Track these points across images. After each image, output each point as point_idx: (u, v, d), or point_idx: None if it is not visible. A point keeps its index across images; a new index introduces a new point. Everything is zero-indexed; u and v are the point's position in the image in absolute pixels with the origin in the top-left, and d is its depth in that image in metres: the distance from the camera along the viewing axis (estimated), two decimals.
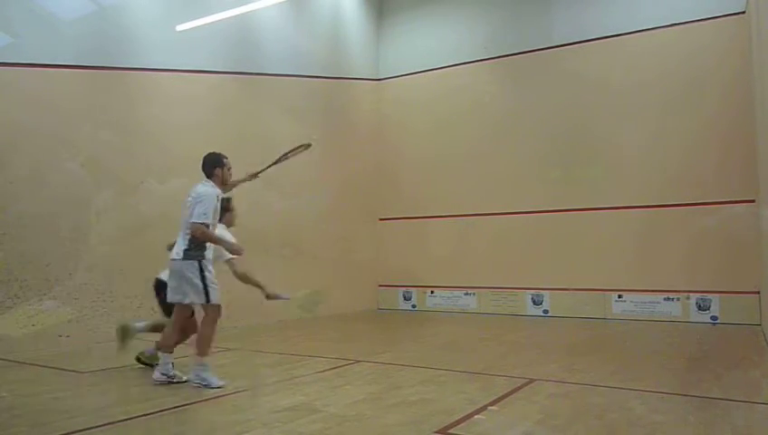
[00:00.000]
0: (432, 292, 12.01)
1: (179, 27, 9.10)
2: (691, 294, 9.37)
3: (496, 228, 11.27)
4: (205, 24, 9.34)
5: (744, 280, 8.92)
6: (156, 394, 4.70)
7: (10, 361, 6.33)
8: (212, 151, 5.26)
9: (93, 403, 4.43)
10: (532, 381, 5.06)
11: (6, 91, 7.16)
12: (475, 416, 3.98)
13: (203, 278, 4.88)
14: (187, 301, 4.99)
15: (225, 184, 5.24)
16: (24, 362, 6.25)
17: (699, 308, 9.34)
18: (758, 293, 8.79)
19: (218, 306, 4.98)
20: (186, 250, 4.92)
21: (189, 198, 5.06)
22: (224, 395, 4.65)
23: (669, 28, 9.99)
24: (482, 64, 11.82)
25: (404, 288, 12.41)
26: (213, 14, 9.40)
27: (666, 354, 6.85)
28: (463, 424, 3.79)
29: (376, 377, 5.37)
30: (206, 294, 4.87)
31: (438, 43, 12.38)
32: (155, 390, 4.89)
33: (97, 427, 3.78)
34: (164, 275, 5.37)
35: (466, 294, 11.60)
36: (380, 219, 12.81)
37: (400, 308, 12.35)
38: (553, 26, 11.10)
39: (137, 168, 8.47)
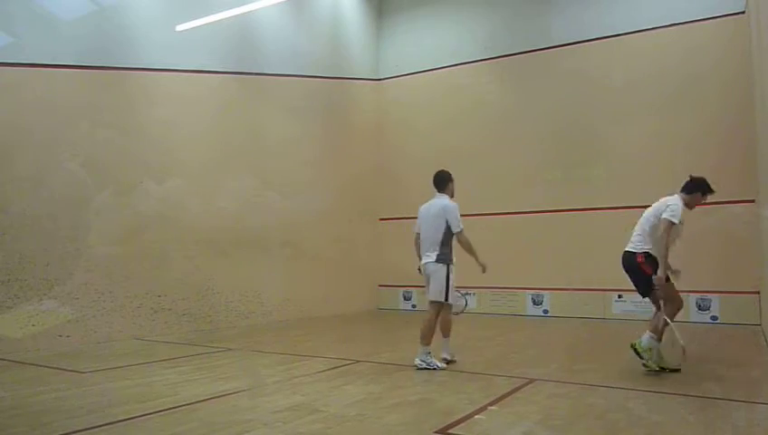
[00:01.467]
0: None
1: (179, 27, 9.10)
2: (691, 294, 9.38)
3: (496, 228, 11.26)
4: (205, 24, 9.34)
5: (744, 280, 8.92)
6: (156, 394, 4.71)
7: (10, 361, 6.33)
8: (443, 169, 6.08)
9: (93, 403, 4.43)
10: (532, 381, 5.06)
11: (7, 91, 7.16)
12: (475, 416, 3.98)
13: (447, 280, 5.72)
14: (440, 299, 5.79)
15: (452, 196, 6.02)
16: (24, 362, 6.25)
17: (699, 308, 9.34)
18: (758, 293, 8.79)
19: (450, 306, 5.92)
20: (438, 255, 5.74)
21: (430, 213, 5.86)
22: (224, 395, 4.66)
23: (669, 28, 9.99)
24: (482, 64, 11.82)
25: (404, 288, 12.41)
26: (213, 14, 9.40)
27: (666, 354, 6.83)
28: (463, 424, 3.79)
29: (376, 377, 5.37)
30: (446, 294, 5.73)
31: (438, 43, 12.38)
32: (155, 390, 4.89)
33: (97, 427, 3.78)
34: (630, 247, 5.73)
35: (467, 294, 11.59)
36: (380, 219, 12.81)
37: (400, 308, 12.35)
38: (553, 26, 11.10)
39: (136, 168, 8.47)
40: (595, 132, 10.54)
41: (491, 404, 4.27)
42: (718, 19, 9.60)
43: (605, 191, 10.30)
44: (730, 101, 9.33)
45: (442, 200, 5.87)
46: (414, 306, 12.20)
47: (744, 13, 9.24)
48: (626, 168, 10.13)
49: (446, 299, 5.75)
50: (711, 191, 5.68)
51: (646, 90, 10.10)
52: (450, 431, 3.63)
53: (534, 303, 10.88)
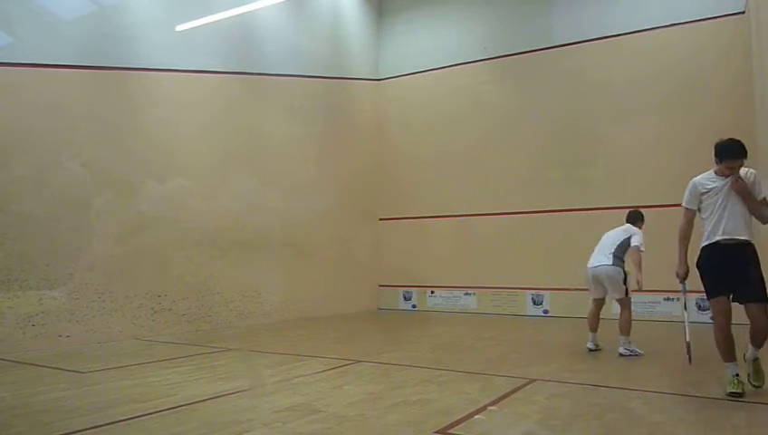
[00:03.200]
0: (432, 292, 12.02)
1: (179, 27, 9.10)
2: (691, 294, 9.37)
3: (496, 228, 11.27)
4: (205, 25, 9.34)
5: None
6: (156, 394, 4.71)
7: (10, 361, 6.33)
8: (638, 210, 7.12)
9: (93, 403, 4.43)
10: (532, 381, 5.06)
11: (7, 91, 7.16)
12: (475, 416, 3.98)
13: (625, 280, 6.64)
14: (609, 295, 6.80)
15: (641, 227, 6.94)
16: (24, 362, 6.25)
17: (699, 308, 9.33)
18: None
19: (630, 298, 6.72)
20: (615, 259, 6.66)
21: (618, 229, 6.91)
22: (224, 395, 4.66)
23: (669, 28, 10.00)
24: (482, 64, 11.82)
25: (404, 288, 12.41)
26: (213, 14, 9.40)
27: (666, 354, 6.84)
28: (463, 424, 3.79)
29: (376, 377, 5.37)
30: (626, 290, 6.66)
31: (438, 44, 12.38)
32: (155, 390, 4.89)
33: (97, 427, 3.78)
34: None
35: (466, 294, 11.60)
36: (380, 219, 12.81)
37: (400, 308, 12.35)
38: (553, 26, 11.10)
39: (137, 168, 8.47)
40: (595, 132, 10.54)
41: (491, 404, 4.27)
42: (718, 19, 9.61)
43: (605, 191, 10.30)
44: (730, 101, 9.33)
45: (630, 227, 6.89)
46: (414, 306, 12.21)
47: (743, 13, 9.24)
48: (626, 168, 10.13)
49: (627, 294, 6.66)
50: (723, 156, 4.72)
51: (646, 90, 10.10)
52: (450, 431, 3.63)
53: (534, 303, 10.88)
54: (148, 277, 8.43)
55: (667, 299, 9.53)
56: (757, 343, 4.58)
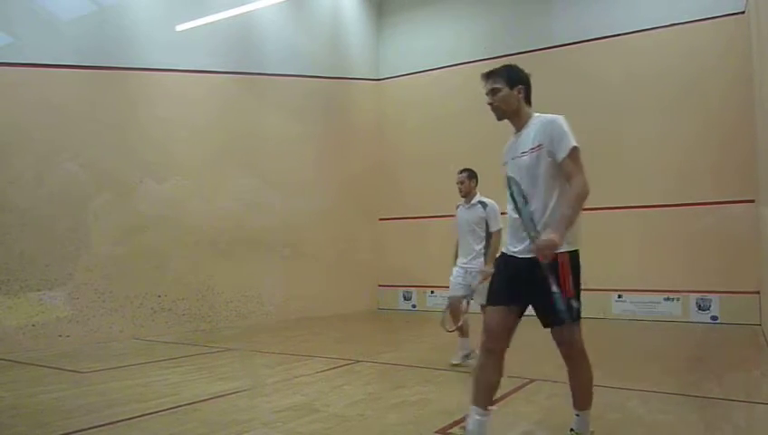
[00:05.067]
0: (432, 292, 12.02)
1: (179, 27, 9.10)
2: (691, 294, 9.38)
3: None
4: (205, 24, 9.35)
5: (744, 280, 8.92)
6: (156, 394, 4.71)
7: (10, 361, 6.33)
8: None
9: (93, 403, 4.43)
10: (532, 381, 5.06)
11: (7, 91, 7.16)
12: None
13: None
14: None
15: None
16: (24, 362, 6.24)
17: (699, 308, 9.34)
18: (758, 293, 8.79)
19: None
20: None
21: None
22: (224, 395, 4.66)
23: (669, 28, 9.99)
24: (482, 64, 11.67)
25: (404, 288, 12.40)
26: (213, 13, 9.41)
27: (666, 354, 6.85)
28: (463, 424, 3.78)
29: (376, 377, 5.37)
30: None
31: (438, 43, 12.38)
32: (155, 390, 4.89)
33: (97, 427, 3.78)
34: None
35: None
36: (380, 219, 12.81)
37: (400, 308, 12.35)
38: (553, 26, 11.10)
39: (136, 168, 8.47)
40: (595, 132, 10.50)
41: (491, 404, 4.26)
42: (718, 19, 9.60)
43: (605, 191, 10.27)
44: (730, 101, 9.33)
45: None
46: (414, 306, 12.20)
47: (743, 13, 9.24)
48: (626, 168, 10.12)
49: None
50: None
51: (646, 90, 10.10)
52: (450, 431, 3.63)
53: None
54: (147, 277, 8.43)
55: (668, 299, 9.53)
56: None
